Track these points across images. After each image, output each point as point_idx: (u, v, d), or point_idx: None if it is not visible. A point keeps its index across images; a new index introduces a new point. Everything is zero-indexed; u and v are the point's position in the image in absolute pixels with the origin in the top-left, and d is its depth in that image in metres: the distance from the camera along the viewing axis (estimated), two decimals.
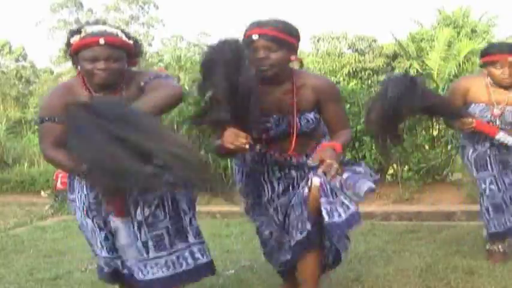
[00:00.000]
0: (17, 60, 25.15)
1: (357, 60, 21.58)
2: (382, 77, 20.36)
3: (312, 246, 2.54)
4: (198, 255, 2.44)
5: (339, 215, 2.38)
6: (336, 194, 2.41)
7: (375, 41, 22.31)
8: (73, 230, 4.81)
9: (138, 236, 2.39)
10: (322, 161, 2.35)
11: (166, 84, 2.36)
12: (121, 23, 23.42)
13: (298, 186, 2.57)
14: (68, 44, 2.40)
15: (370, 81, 20.03)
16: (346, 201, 2.40)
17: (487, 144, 3.34)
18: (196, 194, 2.52)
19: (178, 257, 2.41)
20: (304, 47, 21.26)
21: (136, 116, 2.10)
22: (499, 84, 3.26)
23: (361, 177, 2.46)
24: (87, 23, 2.45)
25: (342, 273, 3.15)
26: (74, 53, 2.38)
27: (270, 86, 2.49)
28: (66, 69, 22.00)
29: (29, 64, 25.34)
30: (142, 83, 2.37)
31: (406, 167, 6.23)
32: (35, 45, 43.25)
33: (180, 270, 2.40)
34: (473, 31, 20.63)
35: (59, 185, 6.78)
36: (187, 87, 7.19)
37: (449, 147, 6.08)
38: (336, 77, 21.02)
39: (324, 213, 2.38)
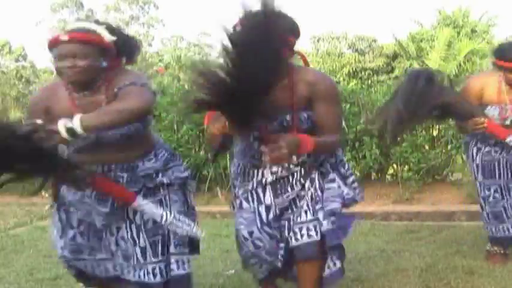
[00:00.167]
0: (17, 60, 25.12)
1: (357, 60, 21.58)
2: (382, 77, 20.44)
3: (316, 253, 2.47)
4: (174, 266, 2.41)
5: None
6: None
7: (374, 41, 22.31)
8: None
9: (137, 241, 2.37)
10: (272, 143, 2.16)
11: (136, 95, 2.19)
12: (121, 23, 23.41)
13: (297, 186, 2.49)
14: None
15: (370, 81, 20.04)
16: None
17: (491, 142, 3.25)
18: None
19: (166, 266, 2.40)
20: (304, 47, 21.24)
21: None
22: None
23: (329, 198, 2.45)
24: (74, 21, 2.40)
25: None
26: (49, 52, 2.28)
27: None
28: None
29: (29, 64, 25.31)
30: (116, 89, 2.24)
31: (406, 167, 6.22)
32: (35, 45, 43.27)
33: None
34: (473, 31, 20.64)
35: None
36: (187, 87, 7.18)
37: (449, 147, 6.08)
38: (336, 77, 21.02)
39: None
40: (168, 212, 2.34)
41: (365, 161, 6.08)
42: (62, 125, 2.02)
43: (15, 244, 4.86)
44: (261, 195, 2.52)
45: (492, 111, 3.18)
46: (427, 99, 2.96)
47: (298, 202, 2.49)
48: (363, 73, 21.34)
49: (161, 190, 2.42)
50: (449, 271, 3.17)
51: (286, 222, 2.51)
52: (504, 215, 3.28)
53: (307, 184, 2.48)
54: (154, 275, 2.37)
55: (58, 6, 22.80)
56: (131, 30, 23.57)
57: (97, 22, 2.35)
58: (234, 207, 2.64)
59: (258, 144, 2.39)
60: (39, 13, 27.20)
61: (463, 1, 28.54)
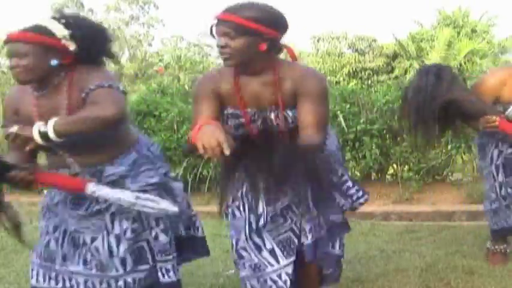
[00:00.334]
0: None
1: (357, 60, 21.58)
2: (382, 77, 20.46)
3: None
4: (159, 274, 2.34)
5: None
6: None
7: (374, 41, 22.30)
8: None
9: (116, 251, 2.28)
10: None
11: (107, 100, 2.10)
12: (121, 23, 23.43)
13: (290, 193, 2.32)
14: None
15: (370, 81, 20.07)
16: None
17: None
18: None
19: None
20: (304, 47, 21.26)
21: None
22: None
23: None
24: None
25: (342, 273, 3.14)
26: None
27: (249, 76, 2.23)
28: None
29: None
30: (83, 94, 2.15)
31: (406, 167, 6.22)
32: None
33: None
34: (473, 31, 20.66)
35: None
36: (187, 87, 7.18)
37: (449, 147, 6.08)
38: (336, 77, 21.05)
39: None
40: (128, 192, 2.19)
41: (365, 161, 6.08)
42: (36, 129, 2.02)
43: (15, 244, 4.82)
44: (252, 203, 2.35)
45: None
46: (435, 96, 2.89)
47: (292, 209, 2.35)
48: (363, 73, 21.34)
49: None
50: (449, 271, 3.17)
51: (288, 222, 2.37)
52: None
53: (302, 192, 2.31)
54: (137, 285, 2.30)
55: (58, 6, 22.79)
56: (131, 30, 23.63)
57: (59, 16, 2.22)
58: (226, 217, 2.46)
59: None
60: (40, 13, 27.23)
61: (463, 1, 28.62)
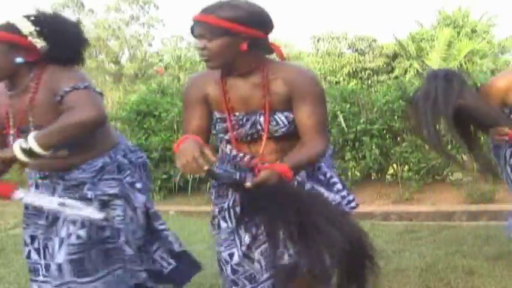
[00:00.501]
0: None
1: (357, 60, 21.59)
2: (382, 77, 20.46)
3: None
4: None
5: None
6: None
7: (374, 41, 22.32)
8: None
9: (56, 256, 2.19)
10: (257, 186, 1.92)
11: (85, 104, 2.06)
12: (121, 23, 23.44)
13: None
14: None
15: (370, 81, 20.08)
16: None
17: None
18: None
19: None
20: (304, 47, 21.27)
21: None
22: None
23: None
24: None
25: None
26: None
27: (236, 78, 2.11)
28: None
29: None
30: (58, 97, 2.10)
31: (406, 167, 6.23)
32: None
33: None
34: (473, 31, 20.66)
35: None
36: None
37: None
38: (336, 77, 21.07)
39: None
40: (54, 198, 2.15)
41: (365, 161, 6.09)
42: (17, 148, 2.00)
43: (15, 244, 4.86)
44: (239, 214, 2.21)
45: None
46: (445, 100, 2.74)
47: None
48: (363, 73, 21.35)
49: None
50: (449, 271, 3.17)
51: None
52: None
53: None
54: None
55: (59, 6, 22.79)
56: (131, 30, 23.64)
57: (30, 14, 2.16)
58: (213, 228, 2.31)
59: (234, 153, 2.17)
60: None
61: (463, 1, 28.62)
